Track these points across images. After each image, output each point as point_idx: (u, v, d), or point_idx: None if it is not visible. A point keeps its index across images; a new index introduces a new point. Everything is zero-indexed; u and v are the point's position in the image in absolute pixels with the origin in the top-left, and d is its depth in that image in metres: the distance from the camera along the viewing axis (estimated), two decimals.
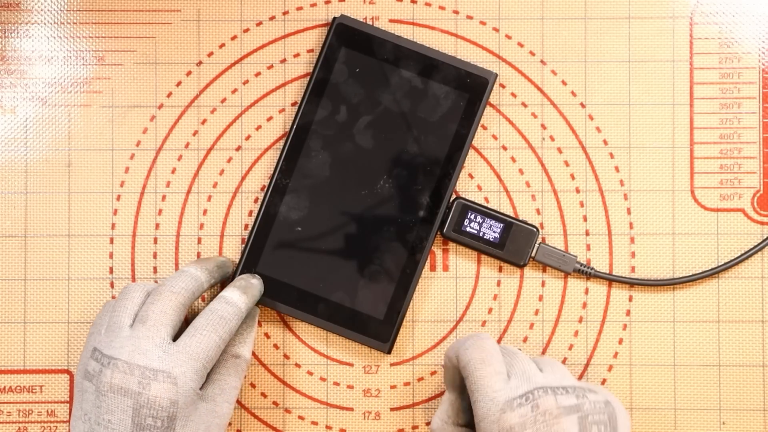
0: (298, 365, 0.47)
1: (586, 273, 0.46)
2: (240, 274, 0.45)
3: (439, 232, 0.46)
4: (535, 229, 0.46)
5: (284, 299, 0.45)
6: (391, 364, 0.47)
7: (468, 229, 0.45)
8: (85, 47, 0.47)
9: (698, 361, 0.47)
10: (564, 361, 0.48)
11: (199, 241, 0.48)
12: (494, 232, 0.45)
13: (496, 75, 0.46)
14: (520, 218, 0.47)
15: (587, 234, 0.47)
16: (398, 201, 0.45)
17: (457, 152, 0.45)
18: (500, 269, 0.48)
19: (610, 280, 0.46)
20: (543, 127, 0.47)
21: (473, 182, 0.48)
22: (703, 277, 0.46)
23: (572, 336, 0.47)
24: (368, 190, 0.45)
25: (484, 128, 0.47)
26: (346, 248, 0.45)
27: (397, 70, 0.44)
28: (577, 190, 0.47)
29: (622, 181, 0.47)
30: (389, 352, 0.45)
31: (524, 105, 0.47)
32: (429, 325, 0.47)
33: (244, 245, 0.45)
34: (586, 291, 0.48)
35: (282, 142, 0.46)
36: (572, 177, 0.47)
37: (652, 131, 0.47)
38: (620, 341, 0.47)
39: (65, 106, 0.47)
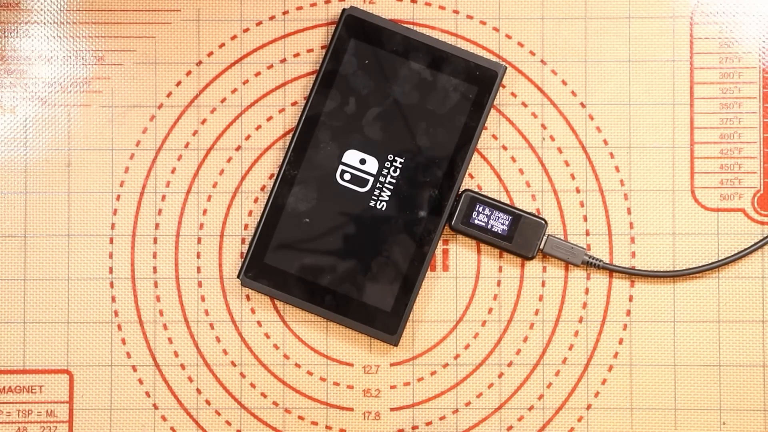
0: (297, 365, 0.47)
1: (595, 265, 0.45)
2: (248, 265, 0.44)
3: (447, 225, 0.45)
4: (543, 222, 0.45)
5: (291, 291, 0.44)
6: (391, 364, 0.47)
7: (476, 221, 0.45)
8: (84, 47, 0.47)
9: (698, 361, 0.46)
10: (564, 362, 0.47)
11: (199, 241, 0.47)
12: (502, 224, 0.45)
13: (506, 67, 0.45)
14: (528, 211, 0.46)
15: (587, 234, 0.47)
16: (407, 193, 0.45)
17: (465, 144, 0.44)
18: (500, 269, 0.47)
19: (619, 271, 0.46)
20: (543, 126, 0.47)
21: (473, 182, 0.47)
22: (703, 270, 0.45)
23: (572, 336, 0.47)
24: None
25: (485, 128, 0.47)
26: (353, 240, 0.44)
27: (406, 62, 0.44)
28: (578, 190, 0.47)
29: (622, 181, 0.47)
30: (397, 344, 0.45)
31: (524, 105, 0.47)
32: (429, 325, 0.47)
33: (251, 236, 0.45)
34: (587, 291, 0.47)
35: (289, 136, 0.46)
36: (572, 177, 0.47)
37: (652, 131, 0.47)
38: (620, 341, 0.47)
39: (65, 106, 0.47)
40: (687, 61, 0.46)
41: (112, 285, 0.47)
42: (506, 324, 0.47)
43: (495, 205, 0.45)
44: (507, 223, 0.45)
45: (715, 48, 0.46)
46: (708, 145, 0.47)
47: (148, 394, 0.46)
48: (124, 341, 0.47)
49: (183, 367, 0.46)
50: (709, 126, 0.47)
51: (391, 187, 0.45)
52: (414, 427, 0.46)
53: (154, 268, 0.47)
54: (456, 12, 0.46)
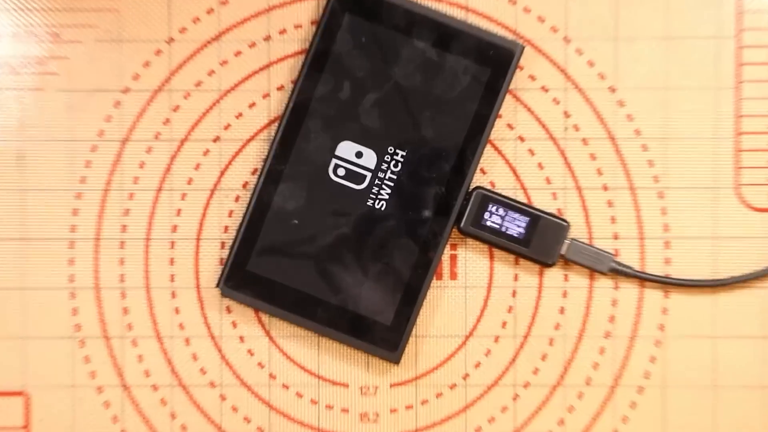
0: (285, 386, 0.45)
1: (624, 273, 0.43)
2: (229, 273, 0.43)
3: (455, 227, 0.44)
4: (565, 224, 0.43)
5: (278, 302, 0.43)
6: (392, 385, 0.45)
7: (489, 223, 0.43)
8: (38, 21, 0.45)
9: (742, 383, 0.44)
10: (588, 382, 0.45)
11: (172, 245, 0.45)
12: (518, 226, 0.43)
13: (523, 46, 0.43)
14: (548, 211, 0.44)
15: (616, 237, 0.45)
16: (409, 191, 0.43)
17: (477, 135, 0.43)
18: (516, 278, 0.45)
19: (652, 280, 0.44)
20: (566, 114, 0.45)
21: (486, 178, 0.45)
22: (749, 279, 0.43)
23: (597, 353, 0.45)
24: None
25: (499, 116, 0.45)
26: (349, 244, 0.43)
27: (409, 40, 0.43)
28: (605, 188, 0.45)
29: (656, 177, 0.45)
30: (398, 362, 0.43)
31: (545, 89, 0.45)
32: (435, 341, 0.45)
33: (232, 240, 0.44)
34: (614, 302, 0.45)
35: (275, 125, 0.45)
36: (599, 172, 0.45)
37: (691, 119, 0.44)
38: (652, 359, 0.45)
39: (15, 90, 0.45)
40: (733, 38, 0.44)
41: (73, 295, 0.45)
42: (522, 339, 0.45)
43: (510, 205, 0.44)
44: (524, 225, 0.43)
45: (766, 23, 0.44)
46: (756, 135, 0.44)
47: (115, 418, 0.45)
48: (87, 359, 0.45)
49: (155, 388, 0.45)
50: (757, 114, 0.44)
51: (392, 184, 0.44)
52: None
53: (122, 276, 0.45)
54: None
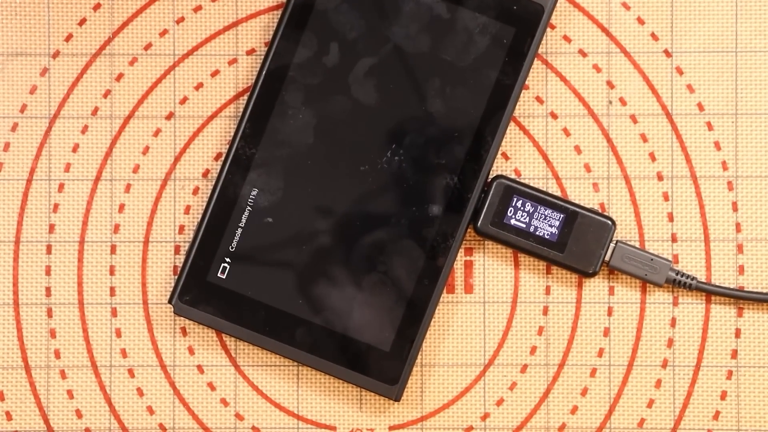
0: (256, 429, 0.43)
1: (686, 285, 0.41)
2: (185, 285, 0.41)
3: (471, 226, 0.42)
4: (609, 222, 0.42)
5: (247, 322, 0.42)
6: (390, 428, 0.42)
7: (513, 221, 0.42)
8: None
9: None
10: (641, 425, 0.42)
11: (113, 250, 0.43)
12: (551, 225, 0.42)
13: (555, 0, 0.41)
14: (589, 206, 0.43)
15: (674, 240, 0.43)
16: (412, 181, 0.42)
17: (498, 112, 0.42)
18: (547, 291, 0.42)
19: (721, 294, 0.42)
20: (610, 85, 0.43)
21: (509, 164, 0.43)
22: None
23: (652, 387, 0.42)
24: (369, 165, 0.42)
25: (525, 87, 0.43)
26: (336, 249, 0.42)
27: None
28: (660, 177, 0.43)
29: (725, 163, 0.43)
30: (398, 399, 0.41)
31: (583, 54, 0.43)
32: (445, 371, 0.43)
33: (189, 243, 0.42)
34: (673, 322, 0.42)
35: (244, 98, 0.43)
36: (652, 157, 0.43)
37: (767, 91, 0.43)
38: (723, 395, 0.42)
39: None
40: None
41: None
42: (557, 369, 0.43)
43: (540, 198, 0.42)
44: (557, 223, 0.42)
45: None
46: None
47: None
48: (2, 395, 0.42)
49: None
50: None
51: (392, 173, 0.42)
52: None
53: (47, 290, 0.43)
54: None
